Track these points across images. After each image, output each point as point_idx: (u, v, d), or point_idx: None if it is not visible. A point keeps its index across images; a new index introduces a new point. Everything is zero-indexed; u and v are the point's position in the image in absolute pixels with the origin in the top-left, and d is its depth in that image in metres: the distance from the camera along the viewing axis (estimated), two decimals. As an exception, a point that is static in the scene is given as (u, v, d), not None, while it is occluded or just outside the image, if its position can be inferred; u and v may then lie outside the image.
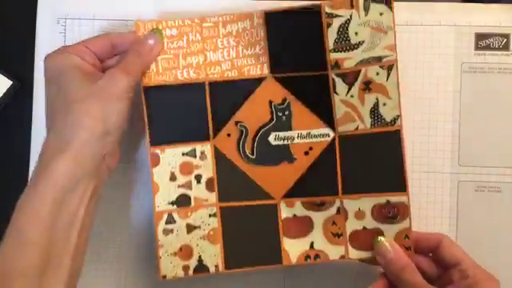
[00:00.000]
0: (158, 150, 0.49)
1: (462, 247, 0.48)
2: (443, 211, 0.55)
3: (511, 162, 0.55)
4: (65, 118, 0.43)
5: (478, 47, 0.55)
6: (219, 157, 0.50)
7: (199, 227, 0.50)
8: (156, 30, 0.49)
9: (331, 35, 0.48)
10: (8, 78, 0.56)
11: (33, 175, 0.43)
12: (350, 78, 0.49)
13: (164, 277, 0.49)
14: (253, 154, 0.51)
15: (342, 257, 0.50)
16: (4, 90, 0.56)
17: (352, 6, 0.48)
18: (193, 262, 0.49)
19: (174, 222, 0.49)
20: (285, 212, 0.51)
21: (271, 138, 0.50)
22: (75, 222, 0.43)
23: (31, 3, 0.56)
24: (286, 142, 0.51)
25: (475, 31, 0.55)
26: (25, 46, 0.56)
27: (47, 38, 0.56)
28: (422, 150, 0.55)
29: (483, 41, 0.55)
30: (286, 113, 0.50)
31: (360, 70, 0.48)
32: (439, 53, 0.55)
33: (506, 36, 0.55)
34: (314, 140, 0.50)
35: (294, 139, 0.50)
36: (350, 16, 0.48)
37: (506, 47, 0.55)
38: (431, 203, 0.55)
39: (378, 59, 0.48)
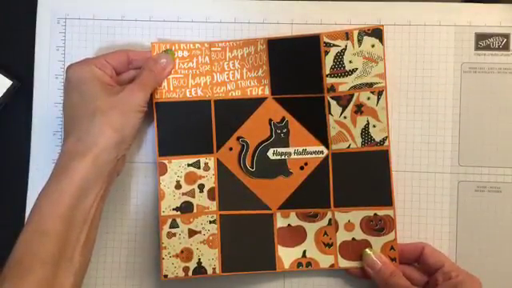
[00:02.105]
0: (165, 161, 0.54)
1: (443, 253, 0.52)
2: (443, 211, 0.55)
3: (511, 162, 0.55)
4: (88, 125, 0.47)
5: (478, 47, 0.55)
6: (221, 169, 0.54)
7: (200, 232, 0.53)
8: (169, 50, 0.54)
9: (328, 62, 0.53)
10: (8, 77, 0.56)
11: (53, 173, 0.46)
12: (343, 100, 0.53)
13: (165, 276, 0.52)
14: (252, 167, 0.55)
15: (332, 266, 0.53)
16: (4, 90, 0.56)
17: (347, 38, 0.53)
18: (192, 264, 0.53)
19: (177, 226, 0.53)
20: (280, 222, 0.54)
21: (270, 153, 0.55)
22: (88, 218, 0.46)
23: (31, 3, 0.57)
24: (283, 158, 0.55)
25: (475, 31, 0.55)
26: (25, 46, 0.57)
27: (47, 38, 0.57)
28: (422, 150, 0.55)
29: (483, 41, 0.55)
30: (284, 131, 0.54)
31: (353, 94, 0.53)
32: (439, 53, 0.55)
33: (506, 36, 0.55)
34: (309, 156, 0.54)
35: (290, 155, 0.55)
36: (346, 46, 0.53)
37: (506, 47, 0.55)
38: (431, 203, 0.55)
39: (370, 85, 0.53)
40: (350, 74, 0.53)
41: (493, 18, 0.55)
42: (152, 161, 0.56)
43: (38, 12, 0.57)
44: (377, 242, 0.53)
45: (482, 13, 0.55)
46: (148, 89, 0.51)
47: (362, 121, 0.53)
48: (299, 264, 0.54)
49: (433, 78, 0.55)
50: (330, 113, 0.54)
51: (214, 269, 0.53)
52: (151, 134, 0.55)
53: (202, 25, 0.56)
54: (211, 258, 0.53)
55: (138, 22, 0.56)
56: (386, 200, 0.53)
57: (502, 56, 0.55)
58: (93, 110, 0.48)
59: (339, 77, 0.53)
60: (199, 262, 0.53)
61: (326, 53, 0.53)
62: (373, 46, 0.53)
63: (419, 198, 0.55)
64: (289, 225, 0.54)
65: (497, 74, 0.55)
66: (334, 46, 0.53)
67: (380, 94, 0.53)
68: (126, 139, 0.49)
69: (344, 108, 0.54)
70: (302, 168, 0.54)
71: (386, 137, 0.53)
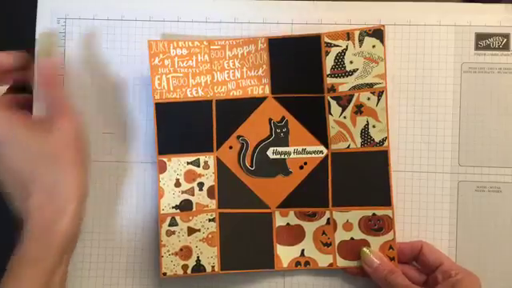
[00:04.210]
0: (164, 159, 0.54)
1: (441, 251, 0.52)
2: (443, 211, 0.55)
3: (511, 162, 0.55)
4: (51, 175, 0.45)
5: (478, 47, 0.55)
6: (221, 167, 0.55)
7: (199, 230, 0.54)
8: (45, 39, 0.51)
9: (329, 62, 0.53)
10: (8, 77, 0.56)
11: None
12: (343, 101, 0.54)
13: (165, 274, 0.53)
14: (252, 166, 0.55)
15: (330, 265, 0.54)
16: (4, 90, 0.56)
17: (348, 38, 0.53)
18: (191, 262, 0.53)
19: (177, 224, 0.53)
20: (279, 220, 0.54)
21: (269, 152, 0.55)
22: None
23: (31, 3, 0.56)
24: (282, 157, 0.55)
25: (475, 31, 0.55)
26: (25, 46, 0.55)
27: (47, 38, 0.57)
28: (422, 150, 0.55)
29: (483, 41, 0.55)
30: (284, 130, 0.55)
31: (353, 95, 0.53)
32: (439, 53, 0.55)
33: (506, 36, 0.55)
34: (308, 156, 0.55)
35: (290, 154, 0.55)
36: (346, 46, 0.53)
37: (506, 47, 0.55)
38: (431, 203, 0.55)
39: (370, 86, 0.53)
40: (351, 75, 0.53)
41: (493, 18, 0.55)
42: (151, 160, 0.56)
43: (37, 12, 0.57)
44: (375, 241, 0.53)
45: (482, 13, 0.55)
46: (65, 104, 0.49)
47: (361, 121, 0.53)
48: (297, 263, 0.54)
49: (433, 77, 0.55)
50: (329, 113, 0.54)
51: (212, 267, 0.53)
52: (151, 134, 0.56)
53: (202, 25, 0.56)
54: (210, 256, 0.53)
55: (138, 21, 0.56)
56: (385, 200, 0.53)
57: (501, 56, 0.55)
58: (44, 158, 0.45)
59: (339, 77, 0.53)
60: (198, 260, 0.53)
61: (327, 53, 0.53)
62: (373, 46, 0.53)
63: (419, 198, 0.55)
64: (288, 224, 0.54)
65: (497, 73, 0.55)
66: (335, 46, 0.53)
67: (380, 94, 0.53)
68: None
69: (344, 108, 0.54)
70: (301, 167, 0.55)
71: (386, 137, 0.53)
